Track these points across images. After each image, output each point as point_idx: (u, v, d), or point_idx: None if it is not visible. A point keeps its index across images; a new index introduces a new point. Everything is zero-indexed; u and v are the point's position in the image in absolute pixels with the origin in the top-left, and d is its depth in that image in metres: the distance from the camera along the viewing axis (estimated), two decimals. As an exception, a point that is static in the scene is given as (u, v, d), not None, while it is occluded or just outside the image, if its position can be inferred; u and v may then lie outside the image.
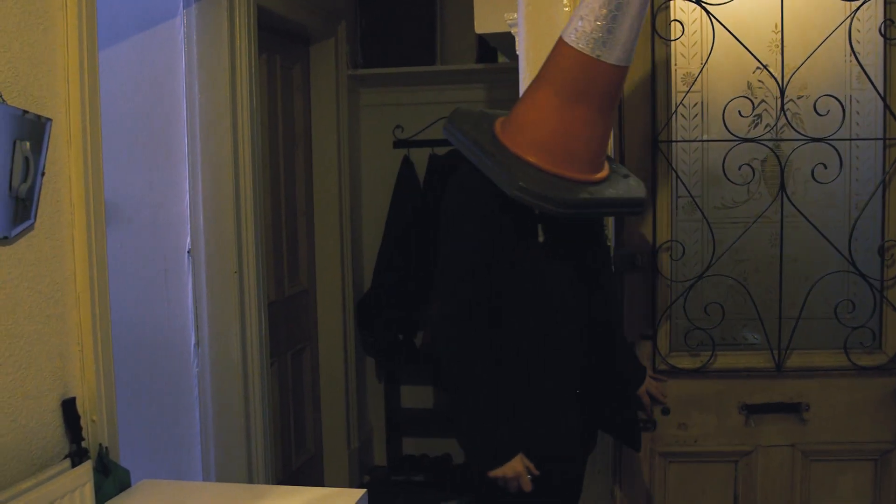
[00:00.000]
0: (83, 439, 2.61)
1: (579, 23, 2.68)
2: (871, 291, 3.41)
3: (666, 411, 3.45)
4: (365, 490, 2.66)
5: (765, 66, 3.37)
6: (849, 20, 3.33)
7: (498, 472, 2.86)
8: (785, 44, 3.37)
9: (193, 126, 3.99)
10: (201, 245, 4.03)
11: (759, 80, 3.41)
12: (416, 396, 6.35)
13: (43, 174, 2.46)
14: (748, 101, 3.41)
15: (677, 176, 3.47)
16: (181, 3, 3.94)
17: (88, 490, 2.54)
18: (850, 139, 3.39)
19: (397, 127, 6.06)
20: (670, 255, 3.46)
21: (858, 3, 3.31)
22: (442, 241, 2.95)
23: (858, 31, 3.36)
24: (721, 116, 3.40)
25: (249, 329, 4.16)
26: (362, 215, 6.24)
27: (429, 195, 5.82)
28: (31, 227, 2.44)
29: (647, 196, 2.93)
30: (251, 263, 4.15)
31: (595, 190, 2.80)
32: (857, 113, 3.41)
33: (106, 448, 2.70)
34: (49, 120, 2.47)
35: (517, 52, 3.42)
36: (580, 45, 2.67)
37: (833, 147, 3.35)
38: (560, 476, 2.99)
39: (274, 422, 4.79)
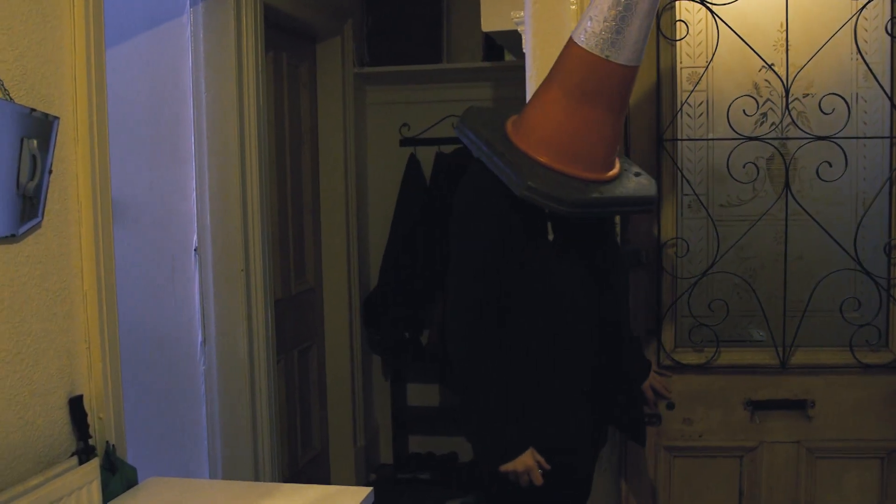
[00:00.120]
0: (90, 437, 2.62)
1: (588, 23, 2.68)
2: (876, 290, 3.41)
3: (671, 406, 3.46)
4: (371, 488, 2.67)
5: (769, 66, 3.37)
6: (855, 18, 3.33)
7: (509, 467, 2.87)
8: (790, 43, 3.37)
9: (200, 124, 4.00)
10: (208, 243, 4.04)
11: (766, 80, 3.41)
12: (422, 394, 6.35)
13: (50, 172, 2.46)
14: (753, 99, 3.41)
15: (682, 174, 3.47)
16: (188, 2, 3.95)
17: (95, 487, 2.55)
18: (856, 137, 3.39)
19: (404, 125, 6.06)
20: (675, 253, 3.47)
21: (865, 1, 3.31)
22: (452, 240, 2.96)
23: (866, 29, 3.36)
24: (726, 115, 3.41)
25: (256, 327, 4.16)
26: (369, 213, 6.24)
27: (435, 193, 5.81)
28: (38, 225, 2.45)
29: (656, 193, 2.92)
30: (258, 261, 4.16)
31: (604, 189, 2.80)
32: (865, 112, 3.41)
33: (113, 445, 2.71)
34: (56, 118, 2.48)
35: (524, 51, 3.42)
36: (589, 46, 2.67)
37: (838, 145, 3.35)
38: (570, 472, 2.99)
39: (280, 419, 4.79)
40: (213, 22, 3.98)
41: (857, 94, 3.41)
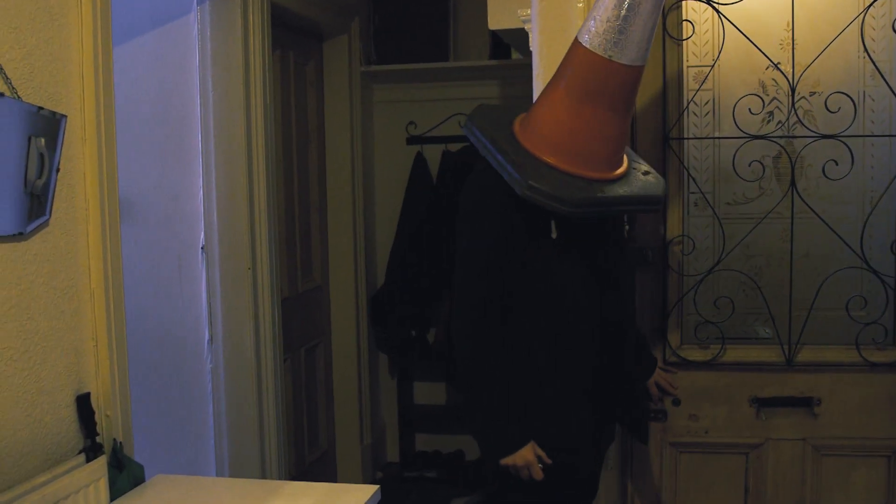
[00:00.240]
0: (97, 434, 2.63)
1: (592, 23, 2.69)
2: (883, 288, 3.40)
3: (676, 402, 3.47)
4: (377, 486, 2.67)
5: (775, 65, 3.37)
6: (861, 16, 3.33)
7: (508, 461, 2.89)
8: (797, 41, 3.36)
9: (207, 122, 4.00)
10: (215, 241, 4.05)
11: (772, 78, 3.41)
12: (428, 393, 6.35)
13: (58, 170, 2.47)
14: (759, 98, 3.41)
15: (688, 173, 3.48)
16: (195, 0, 3.95)
17: (103, 485, 2.56)
18: (863, 136, 3.39)
19: (410, 123, 6.06)
20: (681, 250, 3.47)
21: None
22: (458, 239, 2.97)
23: (873, 28, 3.36)
24: (732, 113, 3.41)
25: (263, 325, 4.17)
26: (375, 212, 6.24)
27: (442, 192, 5.81)
28: (45, 223, 2.46)
29: (663, 193, 2.92)
30: (265, 260, 4.16)
31: (608, 188, 2.80)
32: (872, 111, 3.41)
33: (120, 443, 2.72)
34: (64, 116, 2.48)
35: (531, 49, 3.42)
36: (593, 46, 2.68)
37: (845, 144, 3.34)
38: (572, 471, 3.00)
39: (287, 418, 4.80)
40: (220, 20, 3.99)
41: (863, 92, 3.40)
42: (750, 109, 3.40)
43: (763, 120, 3.43)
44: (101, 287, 2.68)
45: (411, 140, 6.04)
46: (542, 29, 3.30)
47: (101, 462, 2.57)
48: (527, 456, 2.89)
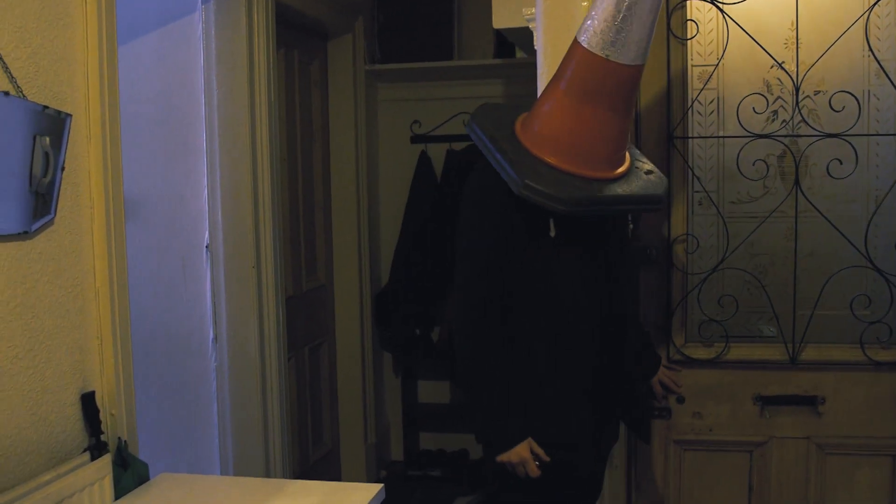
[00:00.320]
0: (102, 433, 2.63)
1: (590, 23, 2.69)
2: (887, 287, 3.40)
3: (680, 400, 3.47)
4: (382, 485, 2.67)
5: (780, 64, 3.37)
6: (866, 15, 3.33)
7: (504, 458, 2.91)
8: (801, 40, 3.37)
9: (212, 121, 4.01)
10: (219, 240, 4.05)
11: (776, 77, 3.41)
12: (433, 391, 6.35)
13: (63, 169, 2.47)
14: (763, 97, 3.41)
15: (692, 171, 3.48)
16: (200, -1, 3.97)
17: (107, 483, 2.56)
18: (867, 135, 3.39)
19: (415, 122, 6.07)
20: (685, 249, 3.47)
21: (875, -1, 3.32)
22: (457, 237, 2.98)
23: (878, 27, 3.36)
24: (736, 113, 3.41)
25: (267, 324, 4.17)
26: (380, 211, 6.24)
27: (446, 190, 5.81)
28: (51, 222, 2.46)
29: (665, 192, 2.92)
30: (269, 258, 4.17)
31: (608, 187, 2.80)
32: (877, 110, 3.41)
33: (125, 441, 2.72)
34: (69, 115, 2.49)
35: (535, 48, 3.42)
36: (591, 45, 2.68)
37: (849, 143, 3.34)
38: (572, 470, 3.00)
39: (291, 416, 4.80)
40: (225, 19, 3.99)
41: (868, 91, 3.40)
42: (754, 108, 3.41)
43: (767, 119, 3.43)
44: (106, 286, 2.68)
45: (415, 139, 6.04)
46: (547, 28, 3.30)
47: (106, 460, 2.57)
48: (522, 453, 2.89)
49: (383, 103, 6.22)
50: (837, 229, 3.38)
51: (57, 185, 2.45)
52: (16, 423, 2.34)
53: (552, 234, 2.88)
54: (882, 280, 3.40)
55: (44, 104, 2.38)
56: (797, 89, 3.37)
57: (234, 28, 4.00)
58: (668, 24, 3.40)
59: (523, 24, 3.75)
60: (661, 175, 2.96)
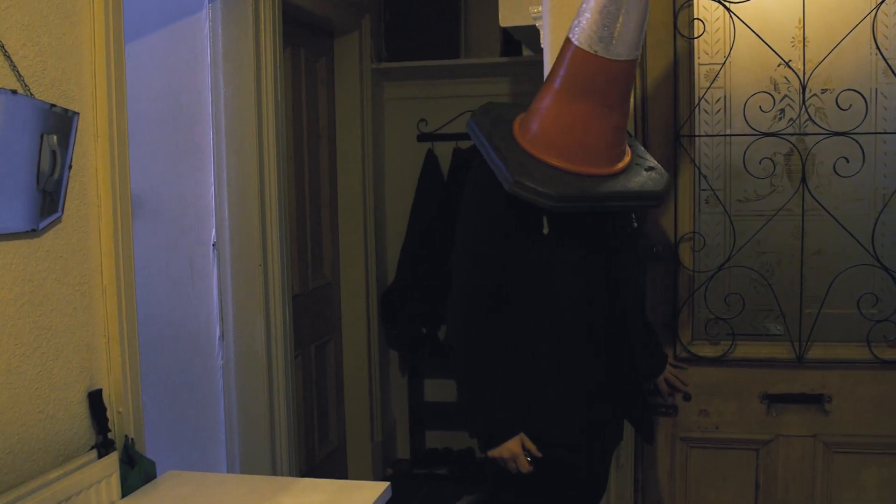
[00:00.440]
0: (109, 430, 2.64)
1: (579, 19, 2.69)
2: (894, 285, 3.39)
3: (687, 397, 3.47)
4: (388, 483, 2.67)
5: (786, 63, 3.37)
6: (874, 13, 3.32)
7: (495, 453, 2.91)
8: (808, 39, 3.36)
9: (218, 119, 4.01)
10: (226, 238, 4.05)
11: (783, 76, 3.41)
12: (439, 390, 6.35)
13: (70, 167, 2.48)
14: (770, 95, 3.41)
15: (699, 170, 3.48)
16: (206, -2, 3.97)
17: (114, 481, 2.57)
18: (874, 133, 3.38)
19: (421, 120, 6.07)
20: (692, 247, 3.47)
21: (883, -4, 3.31)
22: (455, 233, 2.99)
23: (885, 25, 3.35)
24: (743, 111, 3.41)
25: (274, 322, 4.18)
26: (386, 209, 6.25)
27: (452, 189, 5.81)
28: (58, 220, 2.46)
29: (664, 189, 2.89)
30: (276, 256, 4.17)
31: (599, 183, 2.78)
32: (884, 108, 3.40)
33: (132, 439, 2.73)
34: (76, 113, 2.49)
35: (542, 46, 3.42)
36: (580, 42, 2.68)
37: (856, 141, 3.34)
38: (573, 470, 3.00)
39: (298, 414, 4.81)
40: (231, 17, 3.99)
41: (875, 89, 3.40)
42: (761, 107, 3.40)
43: (774, 117, 3.42)
44: (113, 284, 2.68)
45: (422, 137, 6.04)
46: (554, 26, 3.30)
47: (113, 458, 2.58)
48: (513, 448, 2.89)
49: (390, 102, 6.22)
50: (844, 228, 3.38)
51: (64, 183, 2.45)
52: (23, 420, 2.34)
53: (545, 231, 2.87)
54: (889, 278, 3.39)
55: (51, 102, 2.38)
56: (804, 87, 3.37)
57: (240, 26, 4.00)
58: (675, 23, 3.40)
59: (530, 23, 3.75)
60: (663, 172, 2.94)
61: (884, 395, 3.42)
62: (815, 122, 3.38)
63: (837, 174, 3.37)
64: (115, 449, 2.62)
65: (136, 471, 2.69)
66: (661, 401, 3.42)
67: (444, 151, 6.00)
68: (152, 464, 2.78)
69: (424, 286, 5.89)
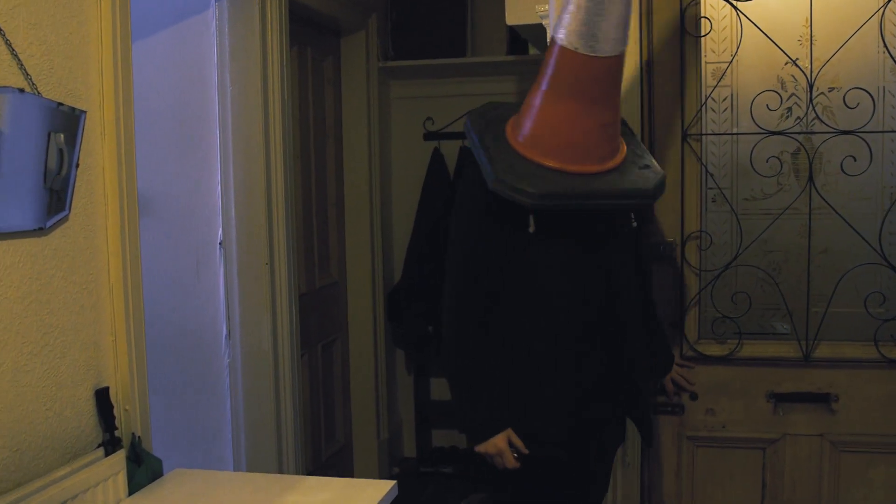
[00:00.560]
0: (116, 428, 2.64)
1: (560, 18, 2.70)
2: (901, 284, 3.40)
3: (693, 396, 3.47)
4: (394, 481, 2.67)
5: (793, 61, 3.37)
6: (881, 11, 3.32)
7: (481, 449, 2.94)
8: (815, 37, 3.36)
9: (225, 118, 4.01)
10: (233, 237, 4.06)
11: (790, 74, 3.41)
12: (445, 389, 6.29)
13: (77, 166, 2.48)
14: (777, 94, 3.41)
15: (706, 168, 3.47)
16: (213, -4, 3.97)
17: (121, 478, 2.57)
18: (882, 132, 3.38)
19: (428, 119, 6.06)
20: (698, 245, 3.47)
21: (890, -5, 3.31)
22: (448, 234, 3.01)
23: (893, 23, 3.35)
24: (750, 110, 3.41)
25: (280, 320, 4.18)
26: (392, 208, 6.24)
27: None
28: (65, 219, 2.47)
29: (654, 188, 2.86)
30: (282, 255, 4.17)
31: (586, 181, 2.77)
32: (892, 106, 3.40)
33: (138, 437, 2.73)
34: (83, 112, 2.49)
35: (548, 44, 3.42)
36: (562, 40, 2.69)
37: (863, 140, 3.34)
38: (563, 466, 2.99)
39: (304, 413, 4.81)
40: (238, 16, 3.99)
41: (883, 87, 3.39)
42: (768, 105, 3.40)
43: (781, 116, 3.42)
44: (120, 282, 2.69)
45: (428, 136, 6.04)
46: (560, 24, 3.29)
47: (120, 456, 2.58)
48: (499, 444, 2.90)
49: (396, 100, 6.22)
50: (851, 226, 3.37)
51: (71, 181, 2.46)
52: (31, 418, 2.35)
53: (531, 230, 2.85)
54: (896, 277, 3.39)
55: (58, 101, 2.38)
56: (811, 86, 3.37)
57: (247, 25, 4.00)
58: (682, 22, 3.40)
59: (536, 21, 3.75)
60: (659, 170, 2.92)
61: (891, 394, 3.41)
62: (822, 121, 3.38)
63: (844, 173, 3.37)
64: (121, 447, 2.62)
65: (143, 469, 2.69)
66: (667, 399, 3.42)
67: (450, 150, 5.99)
68: (159, 462, 2.78)
69: (430, 285, 5.87)
